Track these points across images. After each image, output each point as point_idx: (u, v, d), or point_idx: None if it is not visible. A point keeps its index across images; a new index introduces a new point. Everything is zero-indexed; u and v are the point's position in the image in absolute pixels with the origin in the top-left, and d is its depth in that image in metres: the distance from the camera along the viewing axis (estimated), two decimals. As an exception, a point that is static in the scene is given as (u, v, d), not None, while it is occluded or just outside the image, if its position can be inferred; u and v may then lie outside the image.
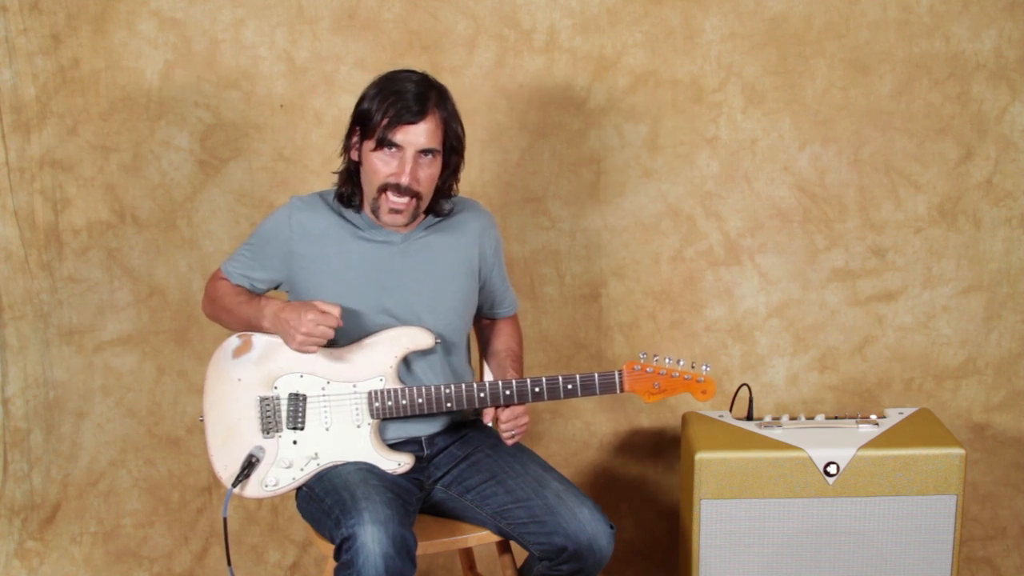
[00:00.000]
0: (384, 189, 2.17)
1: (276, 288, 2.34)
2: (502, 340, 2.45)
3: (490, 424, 2.38)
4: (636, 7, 2.75)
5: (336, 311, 2.13)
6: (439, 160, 2.20)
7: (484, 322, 2.49)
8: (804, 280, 2.88)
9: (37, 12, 2.71)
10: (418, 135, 2.14)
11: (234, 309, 2.28)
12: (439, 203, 2.29)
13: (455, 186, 2.30)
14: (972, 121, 2.80)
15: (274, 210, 2.33)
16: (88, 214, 2.81)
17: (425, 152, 2.16)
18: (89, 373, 2.87)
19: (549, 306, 2.90)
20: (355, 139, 2.22)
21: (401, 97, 2.14)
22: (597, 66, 2.78)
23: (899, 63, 2.77)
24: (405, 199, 2.17)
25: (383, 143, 2.15)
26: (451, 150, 2.22)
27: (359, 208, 2.27)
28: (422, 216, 2.29)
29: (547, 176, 2.84)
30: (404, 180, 2.15)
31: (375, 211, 2.20)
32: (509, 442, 2.24)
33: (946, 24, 2.75)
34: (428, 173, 2.18)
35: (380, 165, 2.16)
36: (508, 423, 2.22)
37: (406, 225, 2.23)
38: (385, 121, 2.13)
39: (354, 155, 2.23)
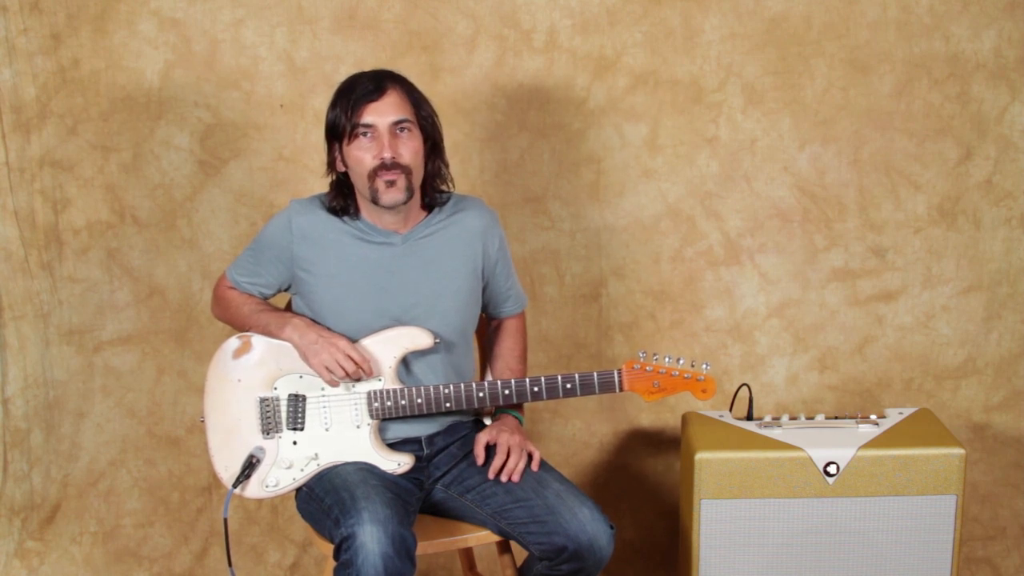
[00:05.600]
0: (373, 175, 2.17)
1: (286, 290, 2.35)
2: (502, 352, 2.43)
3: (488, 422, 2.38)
4: (636, 7, 2.75)
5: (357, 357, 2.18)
6: (417, 133, 2.20)
7: (490, 323, 2.48)
8: (804, 280, 2.88)
9: (37, 12, 2.71)
10: (384, 110, 2.16)
11: (251, 316, 2.30)
12: (435, 194, 2.29)
13: (446, 170, 2.30)
14: (972, 121, 2.79)
15: (275, 214, 2.33)
16: (88, 214, 2.81)
17: (398, 126, 2.17)
18: (89, 373, 2.87)
19: (549, 306, 2.90)
20: (336, 152, 2.23)
21: (357, 86, 2.18)
22: (597, 66, 2.78)
23: (899, 63, 2.77)
24: (395, 172, 2.17)
25: (355, 131, 2.16)
26: (427, 124, 2.23)
27: (355, 216, 2.27)
28: (423, 213, 2.30)
29: (547, 176, 2.84)
30: (386, 155, 2.15)
31: (374, 199, 2.19)
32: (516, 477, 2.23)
33: (946, 24, 2.75)
34: (409, 146, 2.18)
35: (361, 154, 2.17)
36: (512, 460, 2.23)
37: (405, 202, 2.21)
38: (349, 112, 2.16)
39: (340, 166, 2.24)
